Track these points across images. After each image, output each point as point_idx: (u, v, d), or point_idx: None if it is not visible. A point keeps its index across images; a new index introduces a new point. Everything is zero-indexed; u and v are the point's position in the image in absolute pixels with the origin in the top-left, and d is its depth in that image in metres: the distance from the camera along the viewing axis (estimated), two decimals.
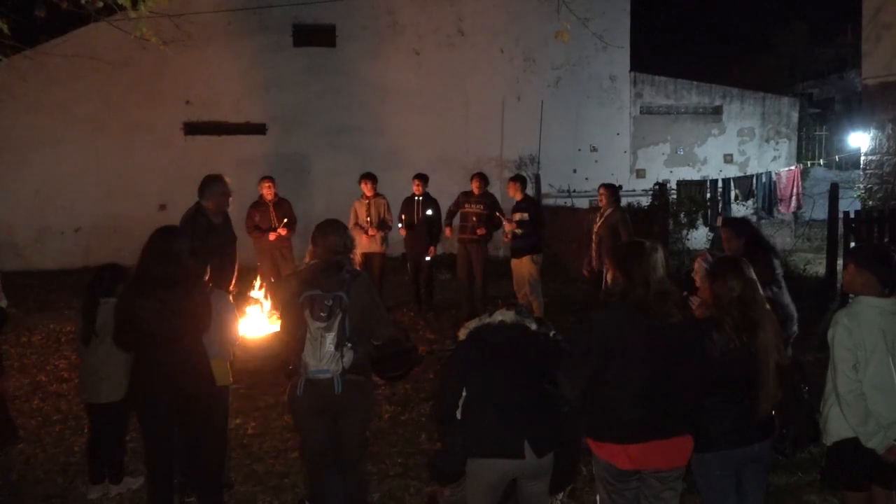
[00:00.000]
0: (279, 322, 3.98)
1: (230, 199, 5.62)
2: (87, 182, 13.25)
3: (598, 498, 3.39)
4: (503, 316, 3.49)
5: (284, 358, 3.89)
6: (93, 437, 4.73)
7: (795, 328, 4.71)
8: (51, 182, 13.22)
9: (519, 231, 8.32)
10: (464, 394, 3.43)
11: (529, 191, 14.36)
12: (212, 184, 5.53)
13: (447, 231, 9.15)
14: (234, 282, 5.56)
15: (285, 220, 8.74)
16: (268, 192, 8.86)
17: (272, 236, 8.68)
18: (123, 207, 13.20)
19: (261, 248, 8.82)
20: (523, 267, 8.45)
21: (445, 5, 14.40)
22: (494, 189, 13.53)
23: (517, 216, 8.41)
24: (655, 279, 3.15)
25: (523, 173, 8.96)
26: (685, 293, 3.82)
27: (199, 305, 3.88)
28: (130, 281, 3.96)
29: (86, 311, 4.57)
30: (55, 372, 7.22)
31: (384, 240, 9.18)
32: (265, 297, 8.33)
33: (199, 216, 5.39)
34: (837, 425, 3.34)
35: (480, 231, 8.65)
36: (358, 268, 3.95)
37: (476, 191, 8.85)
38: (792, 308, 4.58)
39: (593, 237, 8.18)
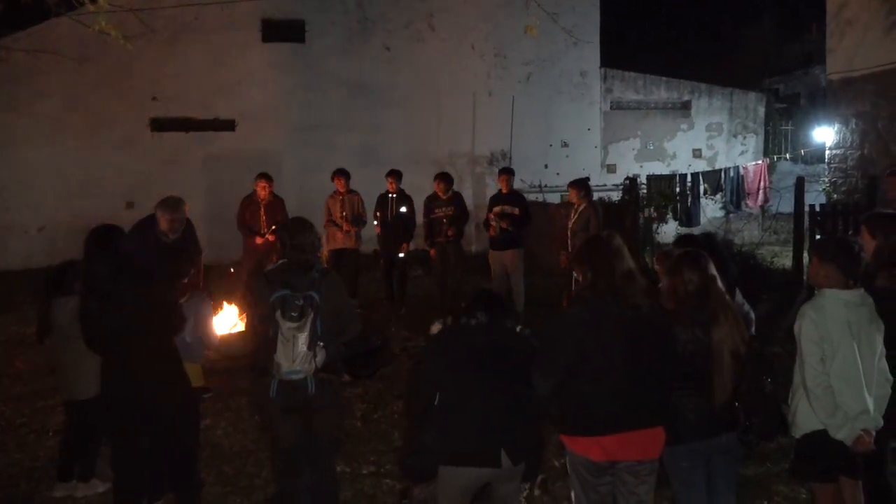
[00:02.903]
0: (249, 323, 3.95)
1: (177, 226, 5.50)
2: (51, 180, 12.96)
3: (572, 494, 3.39)
4: (479, 317, 3.43)
5: (254, 358, 3.85)
6: (68, 435, 4.65)
7: (752, 330, 4.71)
8: (14, 181, 12.90)
9: (510, 228, 8.23)
10: (438, 394, 3.38)
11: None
12: (161, 206, 5.46)
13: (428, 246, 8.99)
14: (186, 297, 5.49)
15: (273, 227, 8.43)
16: (262, 191, 8.56)
17: (258, 241, 8.50)
18: (89, 206, 12.90)
19: (248, 246, 8.64)
20: (507, 259, 8.38)
21: (415, 1, 14.33)
22: (466, 185, 13.59)
23: (507, 209, 8.31)
24: (621, 265, 3.16)
25: (511, 167, 8.89)
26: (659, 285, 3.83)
27: (165, 305, 3.82)
28: (87, 282, 3.89)
29: (40, 310, 4.52)
30: (18, 375, 7.06)
31: (358, 236, 9.11)
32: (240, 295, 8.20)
33: (148, 231, 5.32)
34: (805, 418, 3.37)
35: (450, 232, 8.63)
36: (325, 265, 3.93)
37: (441, 194, 8.74)
38: (746, 308, 4.52)
39: (568, 233, 8.20)
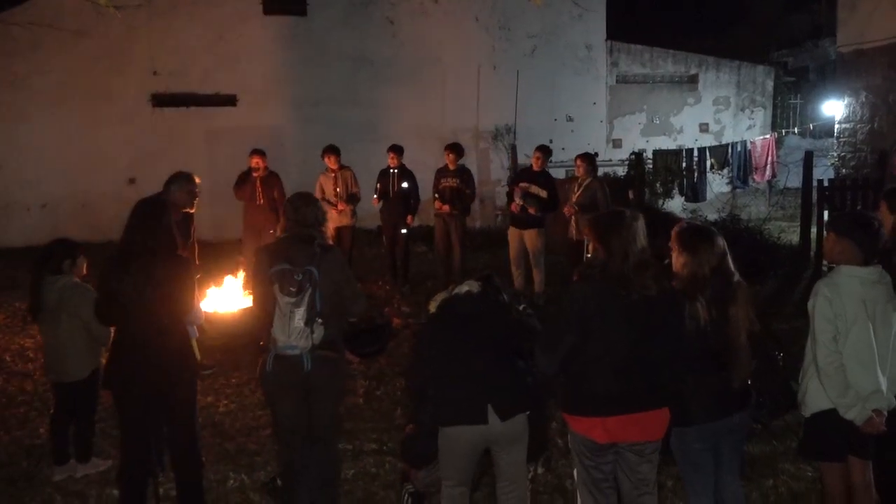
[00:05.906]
0: (252, 297, 3.90)
1: (196, 199, 5.41)
2: (52, 156, 12.85)
3: (575, 472, 3.36)
4: (470, 286, 3.47)
5: (257, 333, 3.82)
6: (57, 417, 4.60)
7: None
8: (14, 157, 12.80)
9: (536, 213, 7.98)
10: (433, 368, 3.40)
11: (505, 162, 14.33)
12: (179, 180, 5.33)
13: (437, 203, 8.82)
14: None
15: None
16: (256, 167, 8.42)
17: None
18: (91, 182, 12.88)
19: (247, 221, 8.53)
20: (528, 239, 8.17)
21: None
22: (470, 160, 13.46)
23: (535, 189, 8.05)
24: (635, 250, 3.08)
25: (548, 145, 8.65)
26: (666, 261, 3.76)
27: (183, 281, 3.76)
28: (114, 253, 3.81)
29: (31, 288, 4.46)
30: (20, 352, 7.04)
31: (353, 212, 9.03)
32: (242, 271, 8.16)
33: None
34: (816, 397, 3.30)
35: (446, 207, 8.56)
36: (330, 241, 3.87)
37: (451, 165, 8.72)
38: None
39: (571, 206, 8.07)
